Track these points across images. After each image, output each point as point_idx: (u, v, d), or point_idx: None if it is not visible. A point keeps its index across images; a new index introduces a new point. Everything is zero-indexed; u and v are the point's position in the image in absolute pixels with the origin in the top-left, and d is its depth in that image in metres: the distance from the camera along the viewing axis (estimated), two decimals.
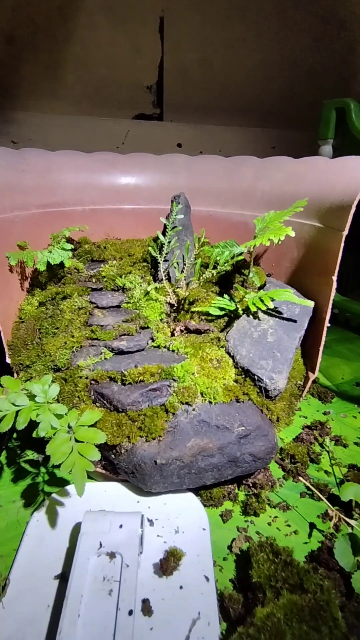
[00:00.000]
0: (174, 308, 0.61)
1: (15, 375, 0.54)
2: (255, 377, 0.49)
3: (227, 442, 0.45)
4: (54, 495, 0.47)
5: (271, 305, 0.52)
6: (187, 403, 0.46)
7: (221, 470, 0.46)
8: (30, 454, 0.55)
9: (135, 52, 1.18)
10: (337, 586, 0.38)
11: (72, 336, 0.53)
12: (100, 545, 0.38)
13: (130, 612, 0.33)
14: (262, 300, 0.53)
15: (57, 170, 0.69)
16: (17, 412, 0.40)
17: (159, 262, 0.61)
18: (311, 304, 0.56)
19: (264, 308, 0.54)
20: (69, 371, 0.50)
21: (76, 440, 0.40)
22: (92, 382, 0.49)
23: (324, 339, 0.55)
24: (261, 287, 0.62)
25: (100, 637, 0.32)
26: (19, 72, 1.13)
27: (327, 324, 0.55)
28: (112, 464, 0.46)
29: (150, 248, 0.62)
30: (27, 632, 0.34)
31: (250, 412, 0.48)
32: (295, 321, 0.55)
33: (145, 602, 0.36)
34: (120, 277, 0.63)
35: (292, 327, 0.55)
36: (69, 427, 0.41)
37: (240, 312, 0.57)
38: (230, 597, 0.37)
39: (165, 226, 0.61)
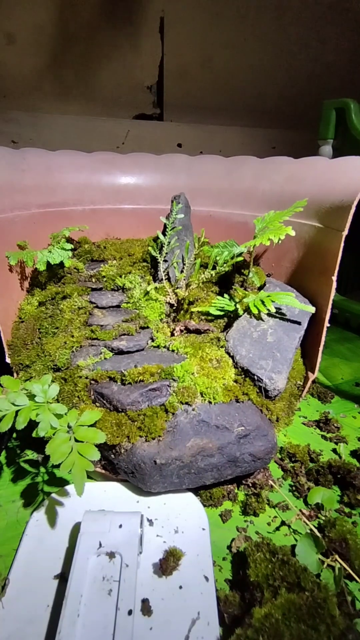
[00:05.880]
0: (174, 308, 0.61)
1: (15, 375, 0.54)
2: (255, 377, 0.49)
3: (227, 442, 0.45)
4: (53, 495, 0.47)
5: (273, 309, 0.52)
6: (186, 403, 0.47)
7: (221, 470, 0.46)
8: (30, 454, 0.55)
9: (136, 52, 1.18)
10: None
11: (72, 336, 0.53)
12: (100, 545, 0.38)
13: (130, 612, 0.33)
14: (263, 303, 0.52)
15: (58, 170, 0.69)
16: (16, 411, 0.40)
17: (158, 262, 0.61)
18: (312, 309, 0.56)
19: (265, 311, 0.53)
20: (68, 371, 0.50)
21: (76, 440, 0.40)
22: (92, 382, 0.49)
23: (323, 339, 0.55)
24: (261, 288, 0.62)
25: (99, 637, 0.32)
26: (20, 71, 1.13)
27: (326, 324, 0.55)
28: (112, 464, 0.47)
29: (150, 248, 0.62)
30: (27, 632, 0.34)
31: (249, 412, 0.48)
32: (295, 321, 0.55)
33: (145, 602, 0.36)
34: (120, 277, 0.63)
35: (292, 327, 0.55)
36: (69, 426, 0.41)
37: (241, 312, 0.56)
38: (229, 597, 0.37)
39: (165, 226, 0.61)
